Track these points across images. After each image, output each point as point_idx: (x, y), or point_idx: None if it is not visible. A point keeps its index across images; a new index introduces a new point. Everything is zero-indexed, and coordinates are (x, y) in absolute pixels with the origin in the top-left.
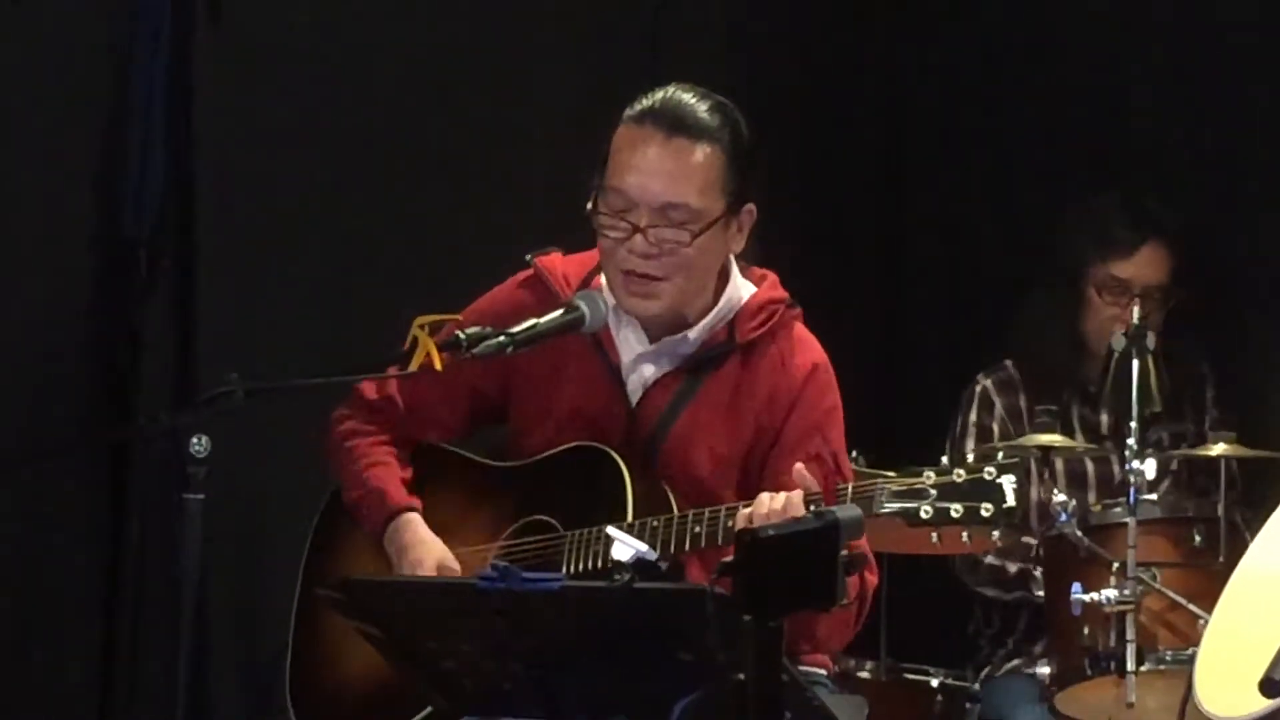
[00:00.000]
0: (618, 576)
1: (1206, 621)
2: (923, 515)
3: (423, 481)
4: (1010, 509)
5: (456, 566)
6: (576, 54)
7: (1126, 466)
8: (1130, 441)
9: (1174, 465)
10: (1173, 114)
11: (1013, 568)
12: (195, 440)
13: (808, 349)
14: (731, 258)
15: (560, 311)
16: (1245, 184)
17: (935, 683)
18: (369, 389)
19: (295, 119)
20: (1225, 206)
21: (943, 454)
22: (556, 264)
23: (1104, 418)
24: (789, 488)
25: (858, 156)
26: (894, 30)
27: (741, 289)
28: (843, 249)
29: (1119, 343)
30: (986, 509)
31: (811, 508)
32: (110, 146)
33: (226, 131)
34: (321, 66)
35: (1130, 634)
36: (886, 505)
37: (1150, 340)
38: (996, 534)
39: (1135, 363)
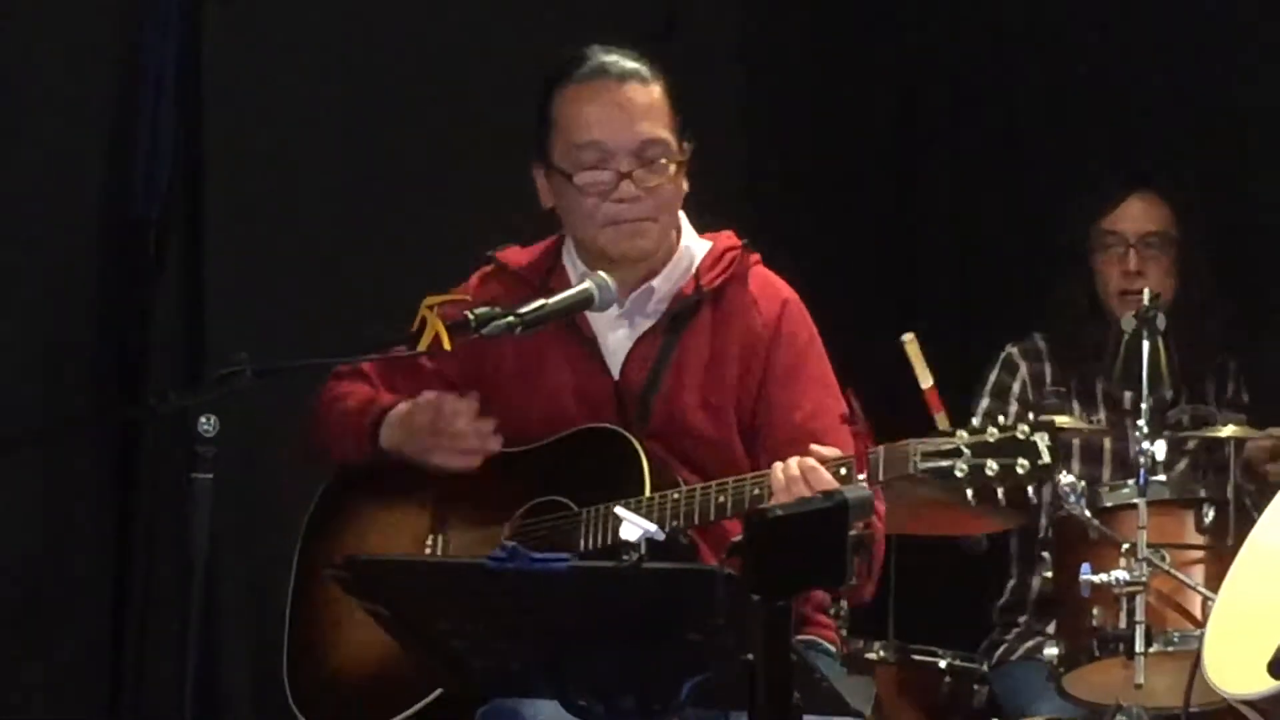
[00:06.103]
0: (626, 556)
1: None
2: (957, 474)
3: (429, 470)
4: (1046, 466)
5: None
6: (590, 34)
7: (1136, 448)
8: (1141, 423)
9: (1189, 445)
10: (1184, 78)
11: None
12: (204, 420)
13: (775, 287)
14: (682, 214)
15: (570, 291)
16: (1257, 162)
17: (943, 664)
18: (343, 369)
19: (304, 98)
20: (1236, 183)
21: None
22: (515, 256)
23: (1127, 393)
24: (790, 422)
25: (870, 140)
26: (907, 4)
27: (697, 245)
28: (855, 230)
29: (1129, 323)
30: (1023, 465)
31: (842, 471)
32: (119, 127)
33: (236, 111)
34: (331, 45)
35: (1139, 615)
36: (921, 466)
37: (1160, 321)
38: (1031, 490)
39: (1145, 344)
